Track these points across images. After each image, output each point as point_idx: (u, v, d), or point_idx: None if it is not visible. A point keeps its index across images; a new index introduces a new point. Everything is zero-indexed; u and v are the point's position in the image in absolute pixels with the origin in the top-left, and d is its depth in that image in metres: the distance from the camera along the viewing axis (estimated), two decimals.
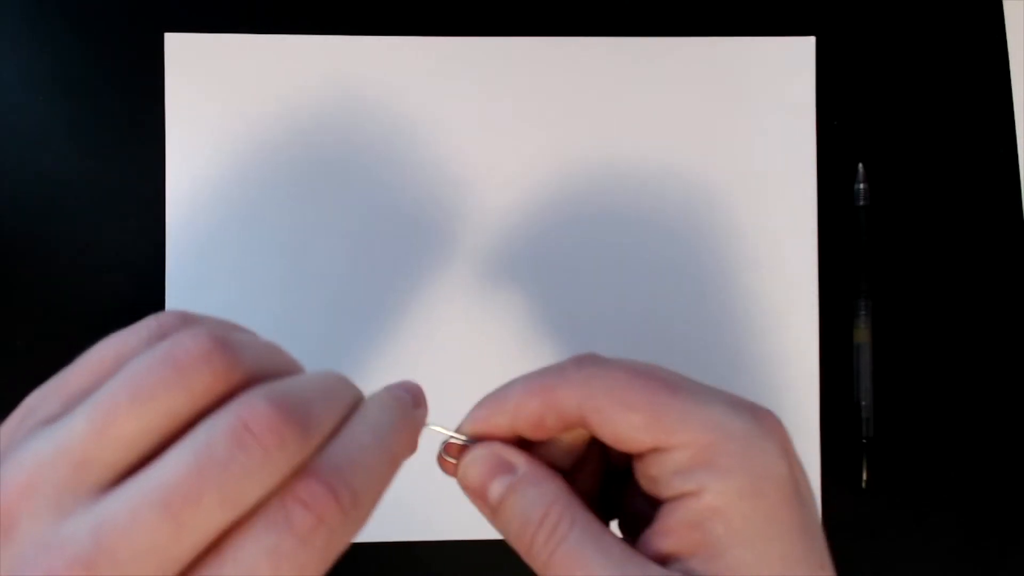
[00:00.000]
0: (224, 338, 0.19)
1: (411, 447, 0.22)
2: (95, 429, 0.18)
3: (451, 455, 0.25)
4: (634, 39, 0.42)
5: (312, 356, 0.40)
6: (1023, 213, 0.42)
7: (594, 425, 0.23)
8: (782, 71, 0.42)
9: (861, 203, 0.42)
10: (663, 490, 0.23)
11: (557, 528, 0.22)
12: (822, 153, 0.42)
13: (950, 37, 0.43)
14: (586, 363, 0.24)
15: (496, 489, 0.23)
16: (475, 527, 0.39)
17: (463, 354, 0.40)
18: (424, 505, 0.39)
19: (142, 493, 0.17)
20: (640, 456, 0.23)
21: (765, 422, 0.23)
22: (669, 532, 0.22)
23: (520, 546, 0.23)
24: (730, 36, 0.43)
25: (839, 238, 0.42)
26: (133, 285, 0.40)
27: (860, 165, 0.42)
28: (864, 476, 0.40)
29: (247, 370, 0.19)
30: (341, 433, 0.20)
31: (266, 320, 0.40)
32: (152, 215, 0.41)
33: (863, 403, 0.41)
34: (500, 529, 0.23)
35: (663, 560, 0.22)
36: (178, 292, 0.40)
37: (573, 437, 0.25)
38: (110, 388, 0.19)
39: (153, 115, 0.41)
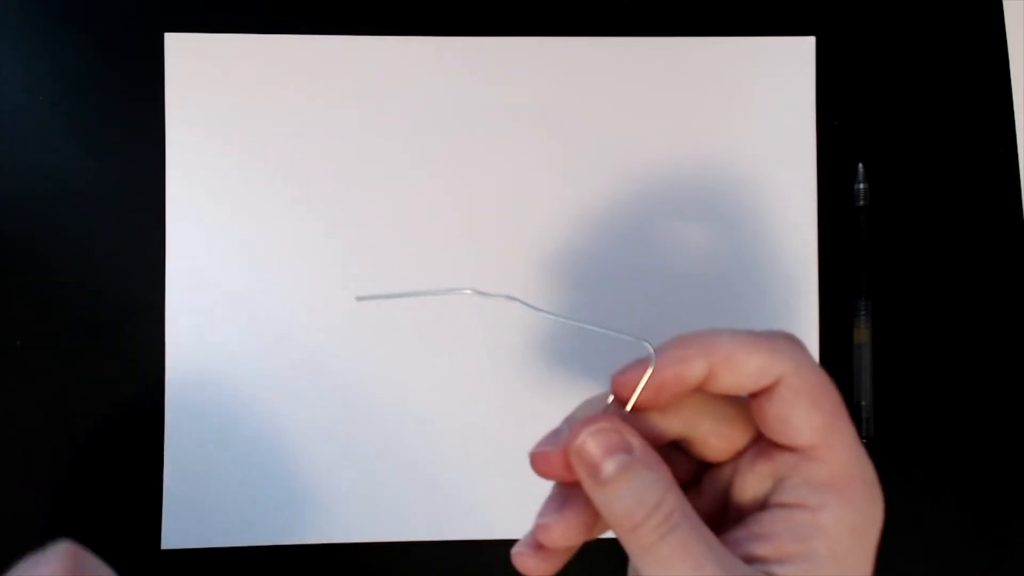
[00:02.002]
0: None
1: None
2: None
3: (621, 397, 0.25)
4: (634, 39, 0.42)
5: (311, 353, 0.40)
6: (1023, 213, 0.42)
7: (780, 401, 0.23)
8: (782, 71, 0.42)
9: (861, 203, 0.42)
10: (779, 495, 0.23)
11: (671, 516, 0.22)
12: (822, 153, 0.42)
13: (950, 37, 0.43)
14: (798, 343, 0.24)
15: (610, 466, 0.23)
16: (475, 528, 0.39)
17: (466, 356, 0.40)
18: (424, 505, 0.39)
19: None
20: (774, 456, 0.24)
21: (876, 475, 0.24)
22: (769, 538, 0.23)
23: (623, 524, 0.22)
24: (730, 36, 0.43)
25: (839, 238, 0.42)
26: (133, 285, 0.40)
27: (860, 165, 0.42)
28: None
29: None
30: None
31: (265, 319, 0.40)
32: (152, 215, 0.41)
33: (863, 403, 0.41)
34: (601, 503, 0.23)
35: (748, 562, 0.23)
36: (178, 292, 0.40)
37: (679, 428, 0.25)
38: None
39: (153, 115, 0.41)
